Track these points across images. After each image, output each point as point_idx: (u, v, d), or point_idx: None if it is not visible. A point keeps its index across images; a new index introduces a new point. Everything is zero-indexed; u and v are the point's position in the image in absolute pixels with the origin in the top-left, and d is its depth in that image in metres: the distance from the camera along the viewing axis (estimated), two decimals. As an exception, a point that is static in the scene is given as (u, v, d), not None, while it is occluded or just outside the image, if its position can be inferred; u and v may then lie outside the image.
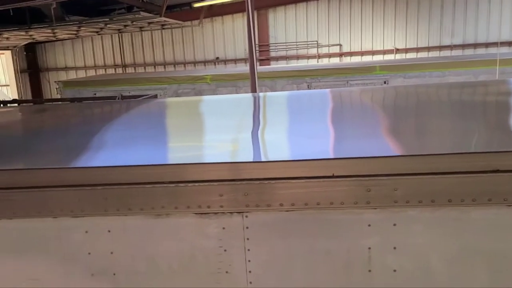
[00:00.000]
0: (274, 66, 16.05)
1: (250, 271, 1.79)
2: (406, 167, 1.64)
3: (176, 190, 1.79)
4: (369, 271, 1.72)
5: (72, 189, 1.85)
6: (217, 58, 17.87)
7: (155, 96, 7.02)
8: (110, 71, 18.80)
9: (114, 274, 1.89)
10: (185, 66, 18.05)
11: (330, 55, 17.55)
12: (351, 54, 17.38)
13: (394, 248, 1.70)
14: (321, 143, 2.16)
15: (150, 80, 10.97)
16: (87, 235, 1.89)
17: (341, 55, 17.50)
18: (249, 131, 2.70)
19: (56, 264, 1.92)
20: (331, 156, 1.82)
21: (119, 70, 18.74)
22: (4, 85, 19.00)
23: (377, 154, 1.72)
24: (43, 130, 3.46)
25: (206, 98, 5.79)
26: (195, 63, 18.03)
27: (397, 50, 17.07)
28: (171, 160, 1.94)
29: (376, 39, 17.19)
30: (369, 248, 1.71)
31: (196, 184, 1.78)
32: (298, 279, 1.79)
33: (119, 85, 10.93)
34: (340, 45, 17.43)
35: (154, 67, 18.45)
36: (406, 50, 17.12)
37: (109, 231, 1.87)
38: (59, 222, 1.88)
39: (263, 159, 1.86)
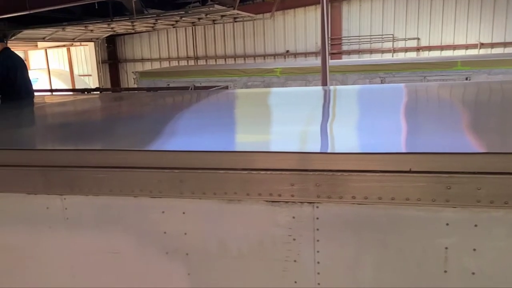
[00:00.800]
0: (346, 60, 15.71)
1: (318, 262, 1.79)
2: (492, 165, 1.55)
3: (248, 177, 1.83)
4: (445, 272, 1.65)
5: (152, 171, 1.95)
6: (287, 51, 17.84)
7: (226, 87, 7.19)
8: (183, 63, 19.47)
9: (187, 254, 1.97)
10: (255, 59, 18.23)
11: (406, 49, 16.81)
12: (429, 48, 16.50)
13: (474, 250, 1.61)
14: (397, 137, 2.10)
15: (221, 72, 11.22)
16: (163, 215, 1.99)
17: (418, 49, 16.69)
18: (322, 122, 2.68)
19: (134, 240, 2.05)
20: (408, 151, 1.76)
21: (191, 62, 19.35)
22: (87, 75, 20.37)
23: (459, 150, 1.64)
24: (125, 116, 3.68)
25: (277, 89, 5.82)
26: (264, 56, 18.15)
27: (482, 45, 15.93)
28: (245, 148, 1.98)
29: (458, 33, 16.14)
30: (446, 248, 1.64)
31: (268, 172, 1.80)
32: (367, 274, 1.76)
33: (191, 76, 11.30)
34: (418, 38, 16.62)
35: (225, 59, 18.82)
36: (492, 45, 15.90)
37: (183, 212, 1.95)
38: (138, 201, 2.00)
39: (336, 151, 1.83)
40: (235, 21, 16.34)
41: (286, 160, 1.80)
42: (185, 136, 2.53)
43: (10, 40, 13.72)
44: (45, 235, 2.16)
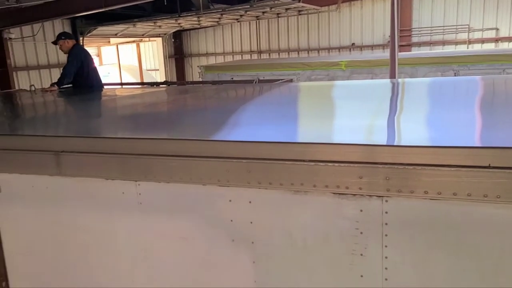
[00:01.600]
0: (416, 52, 15.03)
1: (386, 257, 1.75)
2: None
3: (315, 169, 1.82)
4: (526, 275, 1.55)
5: (220, 160, 2.00)
6: (353, 44, 17.42)
7: (291, 81, 7.17)
8: (246, 57, 19.68)
9: (252, 243, 2.01)
10: (318, 53, 18.00)
11: (483, 41, 15.73)
12: (510, 39, 15.34)
13: (560, 252, 1.49)
14: (474, 131, 1.99)
15: (284, 65, 11.21)
16: (231, 203, 2.03)
17: (497, 40, 15.57)
18: (391, 115, 2.60)
19: (202, 226, 2.12)
20: (487, 145, 1.66)
21: (254, 56, 19.51)
22: (154, 70, 21.22)
23: (546, 145, 1.52)
24: (194, 107, 3.80)
25: (344, 82, 5.71)
26: (329, 49, 17.86)
27: None
28: (312, 140, 1.97)
29: (543, 22, 14.86)
30: (528, 249, 1.53)
31: (336, 164, 1.78)
32: (438, 273, 1.69)
33: (254, 70, 11.40)
34: (497, 29, 15.51)
35: (288, 53, 18.76)
36: None
37: (250, 202, 1.99)
38: (207, 189, 2.06)
39: (408, 144, 1.77)
40: (300, 14, 16.23)
41: (354, 153, 1.77)
42: (252, 127, 2.56)
43: (86, 37, 14.62)
44: (119, 218, 2.30)
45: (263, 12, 14.60)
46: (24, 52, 11.94)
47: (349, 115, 2.70)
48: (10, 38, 11.06)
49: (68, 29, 13.51)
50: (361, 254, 1.79)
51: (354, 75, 9.63)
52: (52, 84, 6.10)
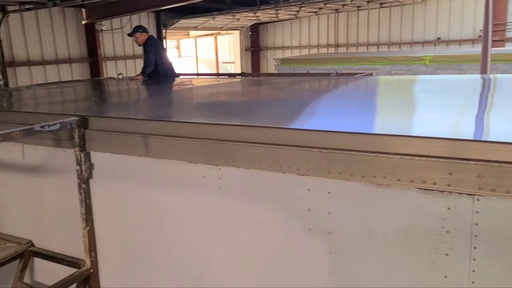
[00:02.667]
0: (511, 47, 13.88)
1: (474, 259, 1.65)
2: None
3: (400, 162, 1.76)
4: None
5: (301, 149, 2.00)
6: (439, 38, 16.46)
7: (370, 74, 6.96)
8: (323, 50, 19.40)
9: (329, 233, 1.99)
10: (400, 47, 17.26)
11: None
12: None
13: None
14: None
15: (362, 59, 10.88)
16: (309, 193, 2.03)
17: None
18: (486, 110, 2.44)
19: (279, 214, 2.14)
20: None
21: (331, 50, 19.17)
22: (229, 62, 21.63)
23: None
24: (273, 97, 3.83)
25: (430, 77, 5.43)
26: (411, 43, 17.04)
27: None
28: (397, 132, 1.90)
29: None
30: None
31: (424, 158, 1.71)
32: (533, 281, 1.57)
33: (331, 63, 11.20)
34: None
35: (367, 47, 18.19)
36: None
37: (329, 192, 1.97)
38: (285, 177, 2.07)
39: (504, 140, 1.64)
40: (382, 7, 15.66)
41: (444, 147, 1.68)
42: (333, 117, 2.53)
43: (169, 29, 15.25)
44: (200, 200, 2.39)
45: (343, 5, 14.30)
46: (113, 43, 12.76)
47: (437, 109, 2.57)
48: (101, 30, 11.87)
49: (152, 22, 14.20)
50: (446, 254, 1.70)
51: (439, 71, 9.10)
52: (139, 74, 6.49)
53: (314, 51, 19.57)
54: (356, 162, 1.87)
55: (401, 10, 16.85)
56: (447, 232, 1.69)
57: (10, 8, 8.75)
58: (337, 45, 19.14)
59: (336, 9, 15.93)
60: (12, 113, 3.41)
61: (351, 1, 13.23)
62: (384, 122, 2.36)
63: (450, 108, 2.52)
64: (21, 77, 9.80)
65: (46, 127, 2.50)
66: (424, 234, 1.74)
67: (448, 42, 16.33)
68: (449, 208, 1.67)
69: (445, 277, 1.71)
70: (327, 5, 13.88)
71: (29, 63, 10.06)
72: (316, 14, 17.14)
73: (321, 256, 2.04)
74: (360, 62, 10.77)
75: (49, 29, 10.51)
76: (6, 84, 8.93)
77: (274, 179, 2.11)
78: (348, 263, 1.97)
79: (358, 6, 14.96)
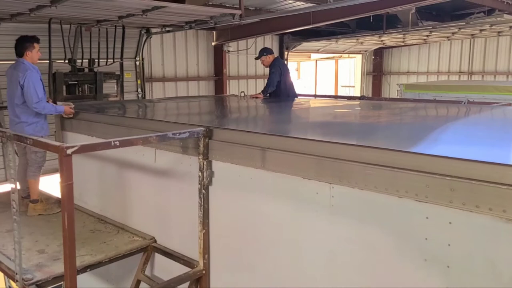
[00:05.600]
0: None
1: None
2: None
3: (538, 198, 1.57)
4: None
5: (421, 174, 1.91)
6: None
7: (509, 105, 6.27)
8: (453, 78, 18.11)
9: (448, 267, 1.85)
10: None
11: None
12: None
13: None
14: None
15: (500, 88, 9.89)
16: (427, 221, 1.91)
17: None
18: None
19: (392, 239, 2.04)
20: None
21: (464, 78, 17.79)
22: (349, 86, 21.35)
23: None
24: (394, 121, 3.70)
25: None
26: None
27: None
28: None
29: None
30: None
31: None
32: None
33: (462, 91, 10.37)
34: None
35: (507, 76, 16.52)
36: None
37: (450, 222, 1.84)
38: (402, 202, 1.99)
39: None
40: (526, 33, 14.12)
41: None
42: (460, 145, 2.36)
43: (291, 51, 15.69)
44: (311, 217, 2.40)
45: (481, 30, 13.23)
46: (238, 63, 13.54)
47: None
48: (229, 51, 12.72)
49: (276, 44, 14.73)
50: None
51: None
52: (260, 92, 6.82)
53: (443, 78, 18.40)
54: (484, 193, 1.72)
55: (551, 36, 15.02)
56: None
57: (153, 30, 9.86)
58: (470, 73, 17.72)
59: (472, 35, 14.79)
60: (147, 120, 3.83)
61: (490, 26, 12.17)
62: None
63: None
64: (156, 91, 10.92)
65: (177, 134, 2.76)
66: None
67: None
68: None
69: None
70: (462, 30, 12.96)
71: (163, 79, 11.20)
72: (448, 39, 16.11)
73: (436, 291, 1.89)
74: (497, 91, 9.83)
75: (183, 50, 11.61)
76: (143, 96, 10.05)
77: (389, 203, 2.03)
78: (468, 302, 1.80)
79: (499, 32, 13.69)
